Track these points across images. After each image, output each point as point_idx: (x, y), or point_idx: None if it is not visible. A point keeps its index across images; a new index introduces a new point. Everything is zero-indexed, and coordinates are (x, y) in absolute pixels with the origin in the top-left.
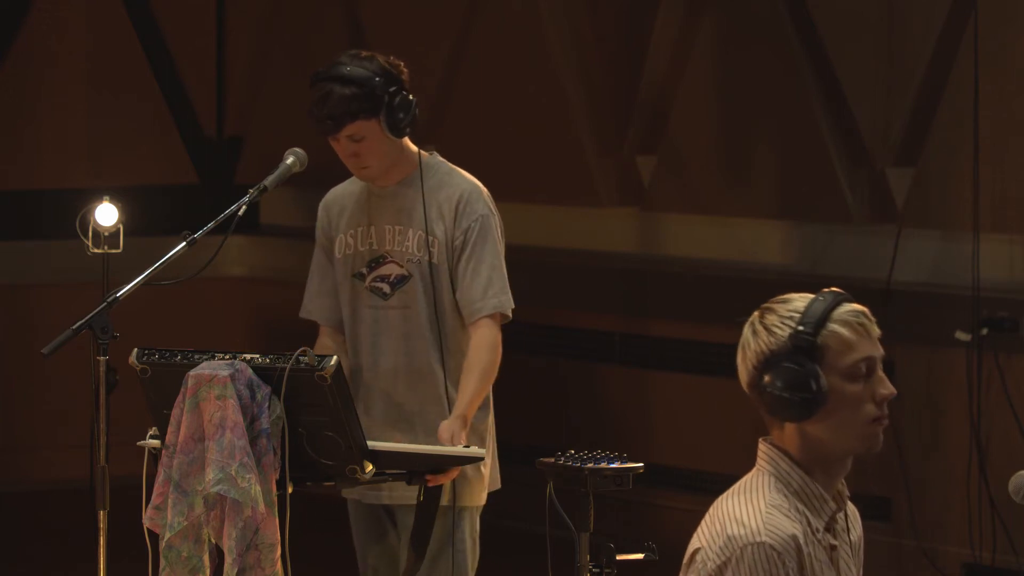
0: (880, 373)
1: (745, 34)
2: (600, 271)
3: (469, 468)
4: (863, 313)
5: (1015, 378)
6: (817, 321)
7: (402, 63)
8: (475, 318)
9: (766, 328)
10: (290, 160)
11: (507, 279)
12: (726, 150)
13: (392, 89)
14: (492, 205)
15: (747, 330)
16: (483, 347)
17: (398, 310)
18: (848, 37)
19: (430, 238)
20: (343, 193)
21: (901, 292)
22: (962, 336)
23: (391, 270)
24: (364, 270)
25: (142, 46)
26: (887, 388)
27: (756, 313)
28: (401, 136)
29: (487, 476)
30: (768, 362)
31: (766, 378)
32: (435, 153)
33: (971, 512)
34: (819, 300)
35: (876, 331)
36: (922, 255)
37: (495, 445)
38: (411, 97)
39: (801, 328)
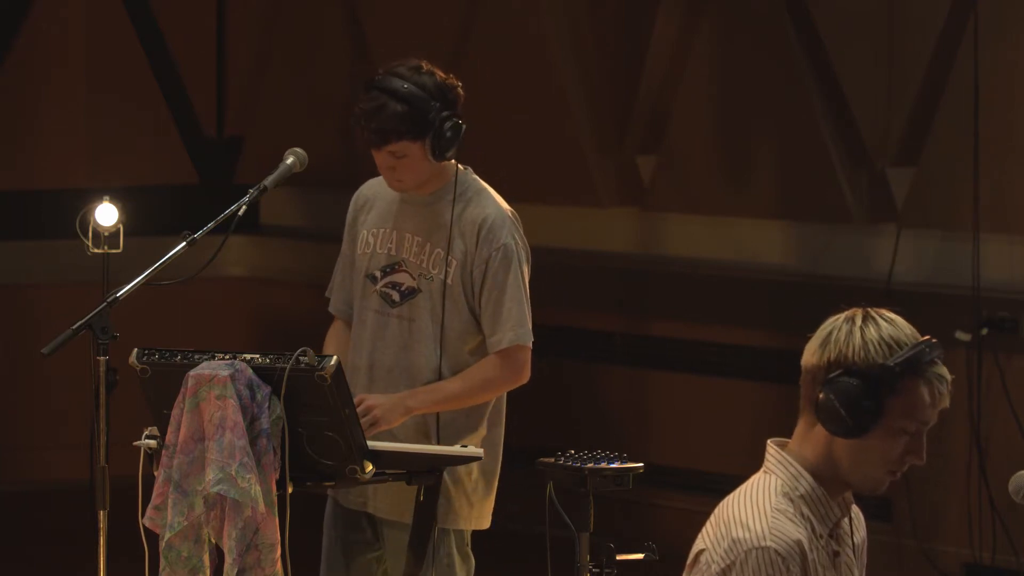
0: (923, 439)
1: (745, 34)
2: (600, 271)
3: (453, 490)
4: (947, 381)
5: (1015, 378)
6: (910, 368)
7: (459, 84)
8: (494, 351)
9: (864, 339)
10: (290, 160)
11: (528, 310)
12: (726, 150)
13: (444, 114)
14: (517, 232)
15: (845, 325)
16: (485, 368)
17: (404, 320)
18: (848, 37)
19: (448, 257)
20: (375, 188)
21: (901, 292)
22: (962, 336)
23: (403, 279)
24: (378, 273)
25: (142, 46)
26: (919, 457)
27: (861, 313)
28: (442, 160)
29: (475, 504)
30: (844, 369)
31: (831, 380)
32: (469, 170)
33: (971, 512)
34: (923, 348)
35: (946, 403)
36: (922, 255)
37: (484, 483)
38: (461, 123)
39: (893, 365)
